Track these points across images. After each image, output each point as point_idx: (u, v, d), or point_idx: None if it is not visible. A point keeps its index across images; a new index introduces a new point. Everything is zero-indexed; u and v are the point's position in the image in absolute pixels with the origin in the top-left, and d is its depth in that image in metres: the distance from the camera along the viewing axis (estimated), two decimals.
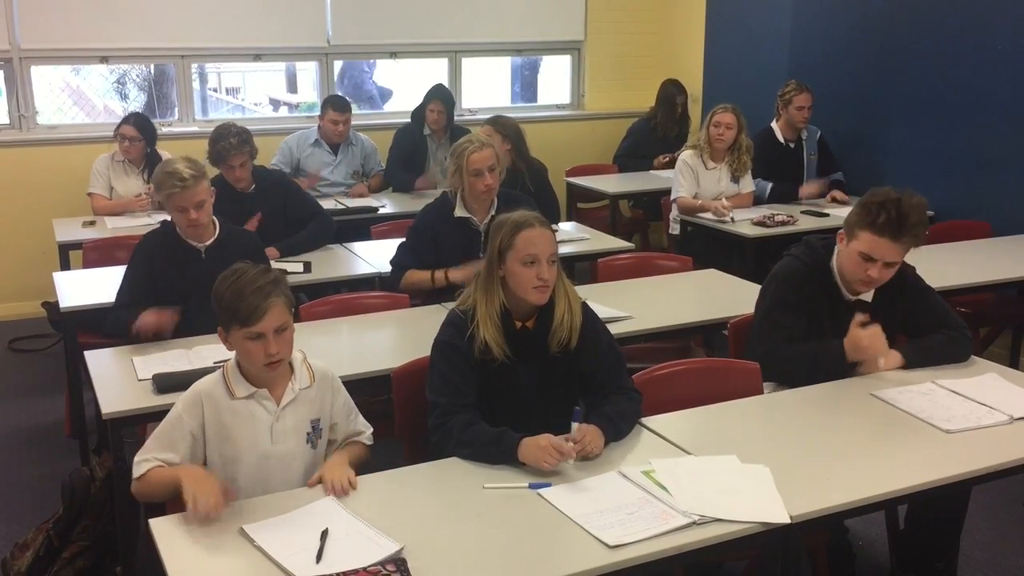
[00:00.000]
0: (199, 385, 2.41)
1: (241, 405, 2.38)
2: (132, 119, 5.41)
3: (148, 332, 3.25)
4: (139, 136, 5.33)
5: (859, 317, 2.82)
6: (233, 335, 2.34)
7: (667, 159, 6.56)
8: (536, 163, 5.19)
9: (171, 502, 2.46)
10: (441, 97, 5.93)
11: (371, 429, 2.57)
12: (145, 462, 2.32)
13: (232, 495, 2.21)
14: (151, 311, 3.27)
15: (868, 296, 2.93)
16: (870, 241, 2.77)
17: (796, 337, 2.89)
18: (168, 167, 3.41)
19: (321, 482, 2.27)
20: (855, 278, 2.86)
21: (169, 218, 3.56)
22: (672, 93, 6.88)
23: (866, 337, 2.79)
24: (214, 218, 3.53)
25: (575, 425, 2.40)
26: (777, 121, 5.63)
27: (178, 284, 3.39)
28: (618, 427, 2.49)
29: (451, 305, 2.71)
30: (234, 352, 2.40)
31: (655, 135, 6.88)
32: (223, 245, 3.51)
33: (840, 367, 2.84)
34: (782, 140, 5.61)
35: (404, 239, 3.96)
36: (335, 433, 2.52)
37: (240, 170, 4.32)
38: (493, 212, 3.82)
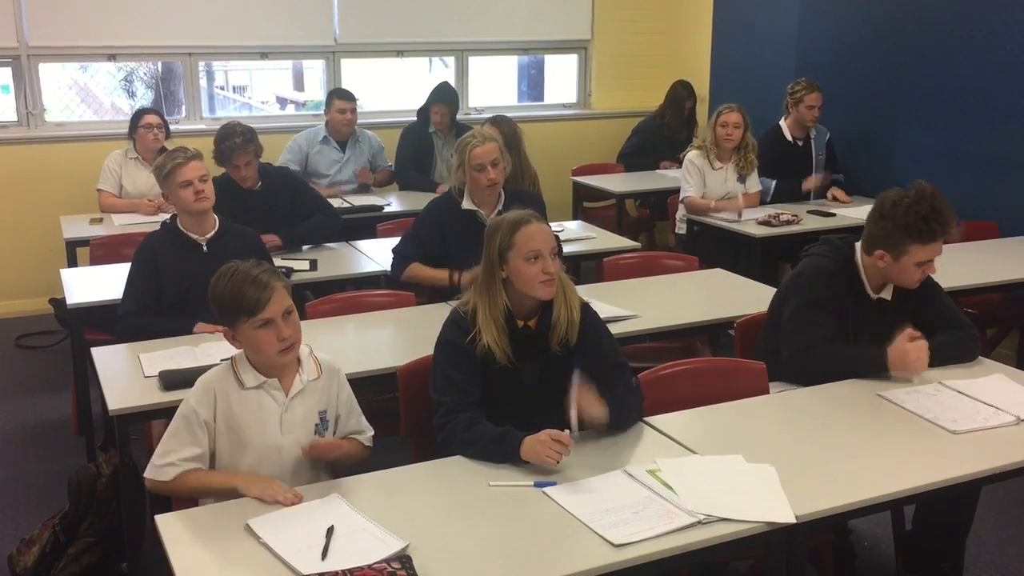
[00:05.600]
0: (207, 377, 2.42)
1: (251, 395, 2.39)
2: (150, 110, 5.46)
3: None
4: (162, 123, 5.37)
5: (909, 331, 2.83)
6: (241, 329, 2.34)
7: (671, 165, 6.57)
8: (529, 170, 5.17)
9: (177, 500, 2.47)
10: (443, 99, 5.95)
11: (372, 432, 2.57)
12: (172, 466, 2.32)
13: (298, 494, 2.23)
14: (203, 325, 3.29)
15: (887, 294, 2.95)
16: (927, 250, 2.81)
17: (828, 335, 2.90)
18: (167, 153, 3.62)
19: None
20: (912, 281, 2.89)
21: (169, 217, 3.58)
22: (682, 96, 6.87)
23: (914, 350, 2.80)
24: (214, 214, 3.56)
25: (574, 381, 2.38)
26: (786, 119, 5.61)
27: (182, 279, 3.40)
28: (620, 411, 2.49)
29: (456, 303, 2.71)
30: (241, 350, 2.41)
31: (661, 135, 6.88)
32: (224, 238, 3.55)
33: (876, 373, 2.84)
34: (790, 138, 5.60)
35: (408, 231, 3.97)
36: (338, 427, 2.52)
37: (245, 169, 4.33)
38: (500, 207, 3.82)
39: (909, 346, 2.80)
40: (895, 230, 2.82)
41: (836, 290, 2.94)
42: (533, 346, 2.59)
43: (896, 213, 2.82)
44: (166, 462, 2.33)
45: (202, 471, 2.35)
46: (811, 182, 5.44)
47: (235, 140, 4.24)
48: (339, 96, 5.75)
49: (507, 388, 2.57)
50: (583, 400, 2.39)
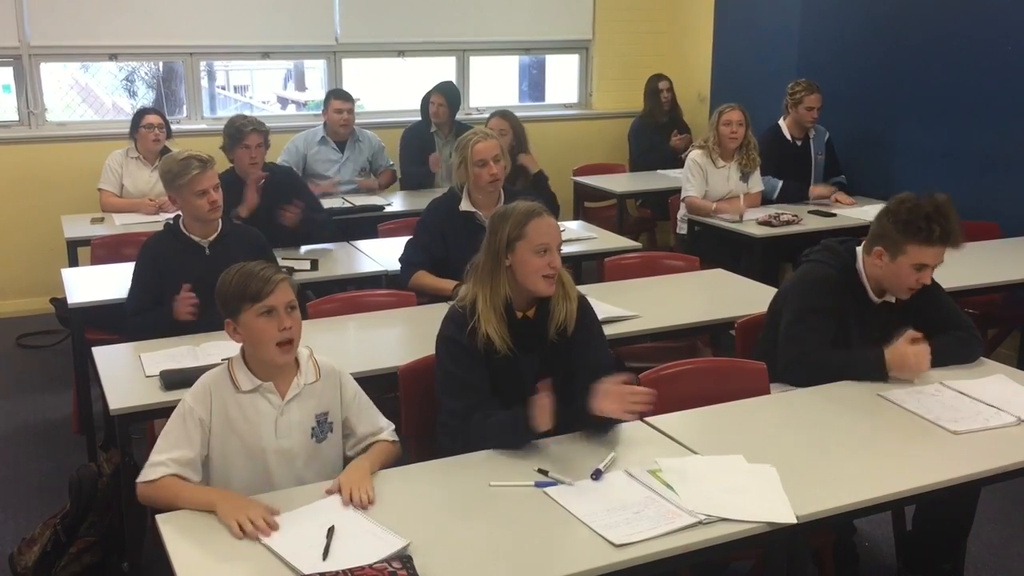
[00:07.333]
0: (206, 378, 2.41)
1: (246, 399, 2.38)
2: (151, 109, 5.46)
3: (186, 314, 3.33)
4: (164, 123, 5.38)
5: (910, 333, 2.82)
6: (244, 318, 2.33)
7: (678, 137, 6.70)
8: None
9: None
10: (442, 90, 5.96)
11: (393, 426, 2.56)
12: (160, 466, 2.27)
13: (275, 511, 2.12)
14: (178, 298, 3.35)
15: (892, 298, 2.94)
16: (926, 253, 2.78)
17: (827, 341, 2.89)
18: (179, 156, 3.55)
19: (339, 491, 2.20)
20: (904, 286, 2.86)
21: (172, 218, 3.58)
22: (655, 86, 6.93)
23: (914, 354, 2.79)
24: None
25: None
26: (785, 119, 5.61)
27: (185, 281, 3.41)
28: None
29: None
30: (240, 346, 2.41)
31: (651, 127, 6.90)
32: (226, 240, 3.55)
33: (877, 377, 2.82)
34: (789, 138, 5.60)
35: (412, 236, 3.96)
36: (350, 430, 2.50)
37: (256, 151, 4.37)
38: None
39: (909, 349, 2.79)
40: (895, 226, 2.81)
41: (837, 298, 2.92)
42: (532, 336, 2.59)
43: (900, 210, 2.81)
44: (154, 461, 2.28)
45: (181, 482, 2.26)
46: (818, 190, 5.43)
47: (247, 119, 4.41)
48: (336, 96, 5.75)
49: (508, 379, 2.56)
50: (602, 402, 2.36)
